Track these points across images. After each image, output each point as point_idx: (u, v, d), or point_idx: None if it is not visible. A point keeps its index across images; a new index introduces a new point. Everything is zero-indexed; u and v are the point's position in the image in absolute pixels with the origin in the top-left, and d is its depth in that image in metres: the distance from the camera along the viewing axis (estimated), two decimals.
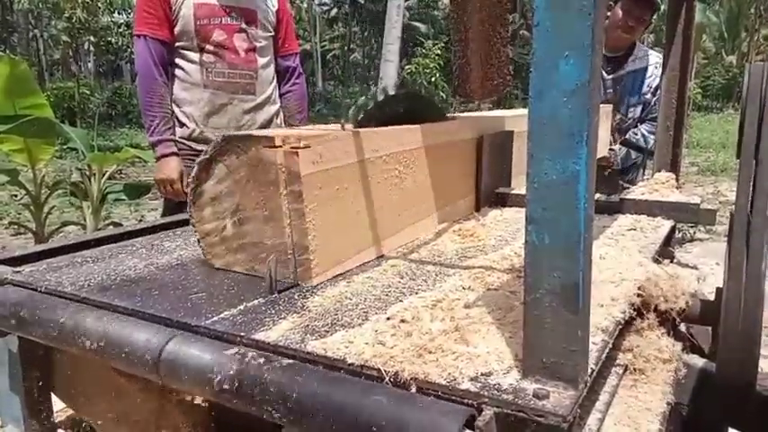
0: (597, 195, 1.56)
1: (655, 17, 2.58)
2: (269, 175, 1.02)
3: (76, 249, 1.34)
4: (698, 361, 1.09)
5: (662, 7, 2.49)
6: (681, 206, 1.51)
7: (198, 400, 1.28)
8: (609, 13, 2.50)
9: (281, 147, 1.00)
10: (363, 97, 1.30)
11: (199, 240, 1.15)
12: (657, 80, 2.52)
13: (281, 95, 2.51)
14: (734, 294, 0.94)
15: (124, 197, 4.31)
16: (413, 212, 1.34)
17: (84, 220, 4.39)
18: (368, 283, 1.06)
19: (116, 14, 18.25)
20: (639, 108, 2.65)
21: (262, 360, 0.78)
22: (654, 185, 1.64)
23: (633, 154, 2.66)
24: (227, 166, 1.07)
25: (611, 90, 2.61)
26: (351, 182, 1.12)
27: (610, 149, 2.60)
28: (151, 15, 2.16)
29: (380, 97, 1.31)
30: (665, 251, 1.33)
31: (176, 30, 2.19)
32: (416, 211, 1.35)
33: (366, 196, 1.16)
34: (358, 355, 0.75)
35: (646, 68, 2.59)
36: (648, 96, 2.60)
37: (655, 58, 2.58)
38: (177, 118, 2.27)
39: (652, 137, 2.57)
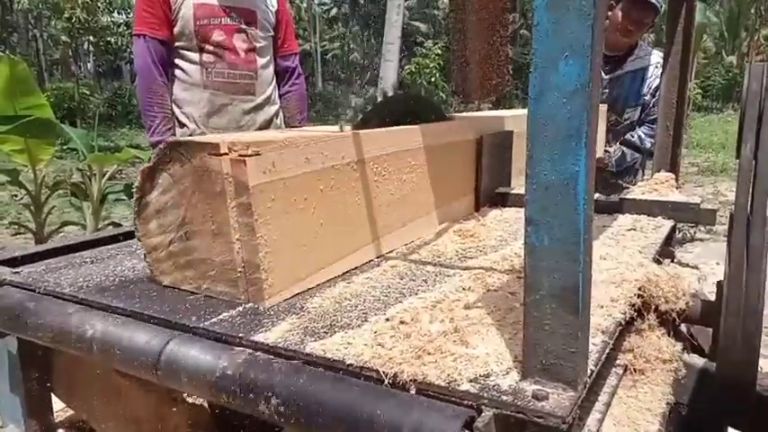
0: (597, 195, 1.55)
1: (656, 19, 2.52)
2: (215, 185, 0.93)
3: (75, 250, 1.34)
4: (698, 361, 1.09)
5: (663, 8, 2.44)
6: (681, 206, 1.50)
7: (198, 401, 1.28)
8: (609, 14, 2.45)
9: (226, 154, 0.91)
10: (363, 98, 1.30)
11: (145, 256, 1.07)
12: (657, 80, 2.44)
13: (280, 96, 2.51)
14: (734, 294, 0.94)
15: (124, 197, 4.32)
16: (389, 221, 1.24)
17: (84, 221, 4.40)
18: (367, 283, 1.06)
19: (115, 14, 18.25)
20: (638, 110, 2.57)
21: (261, 361, 0.78)
22: (654, 185, 1.64)
23: (628, 156, 2.59)
24: (172, 176, 0.98)
25: (608, 90, 2.55)
26: (311, 192, 1.02)
27: (605, 151, 2.55)
28: (150, 15, 2.16)
29: (380, 98, 1.31)
30: (665, 251, 1.33)
31: (176, 30, 2.19)
32: (394, 219, 1.26)
33: (331, 207, 1.07)
34: (357, 356, 0.75)
35: (646, 68, 2.53)
36: (648, 98, 2.53)
37: (656, 57, 2.50)
38: (177, 118, 2.27)
39: (649, 140, 2.51)
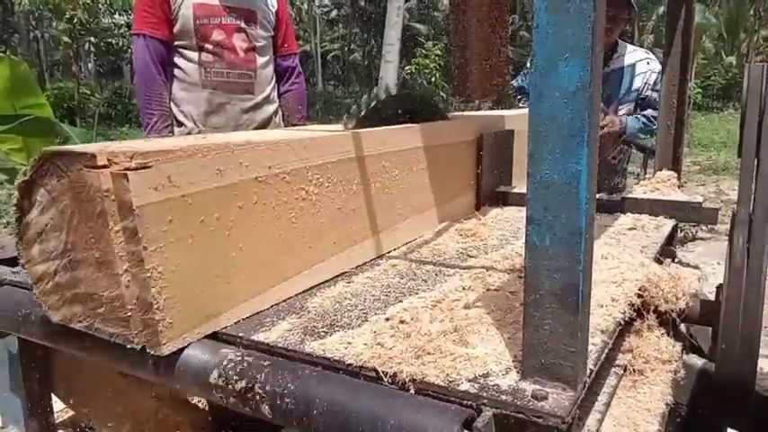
0: (598, 195, 1.55)
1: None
2: (95, 205, 0.76)
3: None
4: (697, 361, 1.09)
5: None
6: (683, 205, 1.50)
7: (197, 401, 1.28)
8: None
9: (106, 167, 0.73)
10: (365, 96, 1.29)
11: (31, 286, 0.90)
12: (654, 75, 2.49)
13: (280, 95, 2.51)
14: (734, 294, 0.94)
15: None
16: (334, 239, 1.09)
17: None
18: (368, 283, 1.06)
19: (116, 16, 18.28)
20: (632, 106, 2.59)
21: (261, 361, 0.78)
22: (655, 184, 1.64)
23: (638, 124, 2.54)
24: (49, 192, 0.81)
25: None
26: (226, 210, 0.85)
27: (605, 114, 2.46)
28: (150, 14, 2.16)
29: (382, 96, 1.30)
30: (666, 250, 1.33)
31: (175, 29, 2.19)
32: (341, 237, 1.10)
33: (254, 228, 0.90)
34: (356, 355, 0.75)
35: (633, 65, 2.54)
36: (649, 92, 2.54)
37: (641, 53, 2.55)
38: (176, 117, 2.27)
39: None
